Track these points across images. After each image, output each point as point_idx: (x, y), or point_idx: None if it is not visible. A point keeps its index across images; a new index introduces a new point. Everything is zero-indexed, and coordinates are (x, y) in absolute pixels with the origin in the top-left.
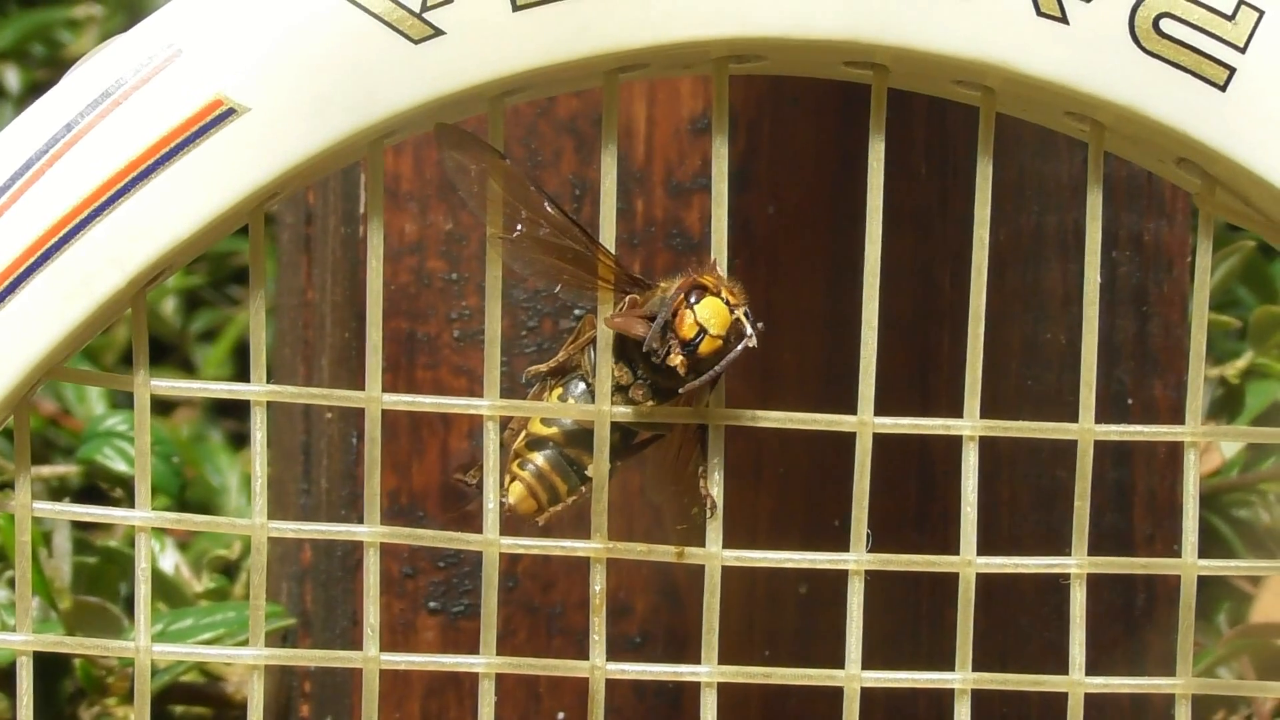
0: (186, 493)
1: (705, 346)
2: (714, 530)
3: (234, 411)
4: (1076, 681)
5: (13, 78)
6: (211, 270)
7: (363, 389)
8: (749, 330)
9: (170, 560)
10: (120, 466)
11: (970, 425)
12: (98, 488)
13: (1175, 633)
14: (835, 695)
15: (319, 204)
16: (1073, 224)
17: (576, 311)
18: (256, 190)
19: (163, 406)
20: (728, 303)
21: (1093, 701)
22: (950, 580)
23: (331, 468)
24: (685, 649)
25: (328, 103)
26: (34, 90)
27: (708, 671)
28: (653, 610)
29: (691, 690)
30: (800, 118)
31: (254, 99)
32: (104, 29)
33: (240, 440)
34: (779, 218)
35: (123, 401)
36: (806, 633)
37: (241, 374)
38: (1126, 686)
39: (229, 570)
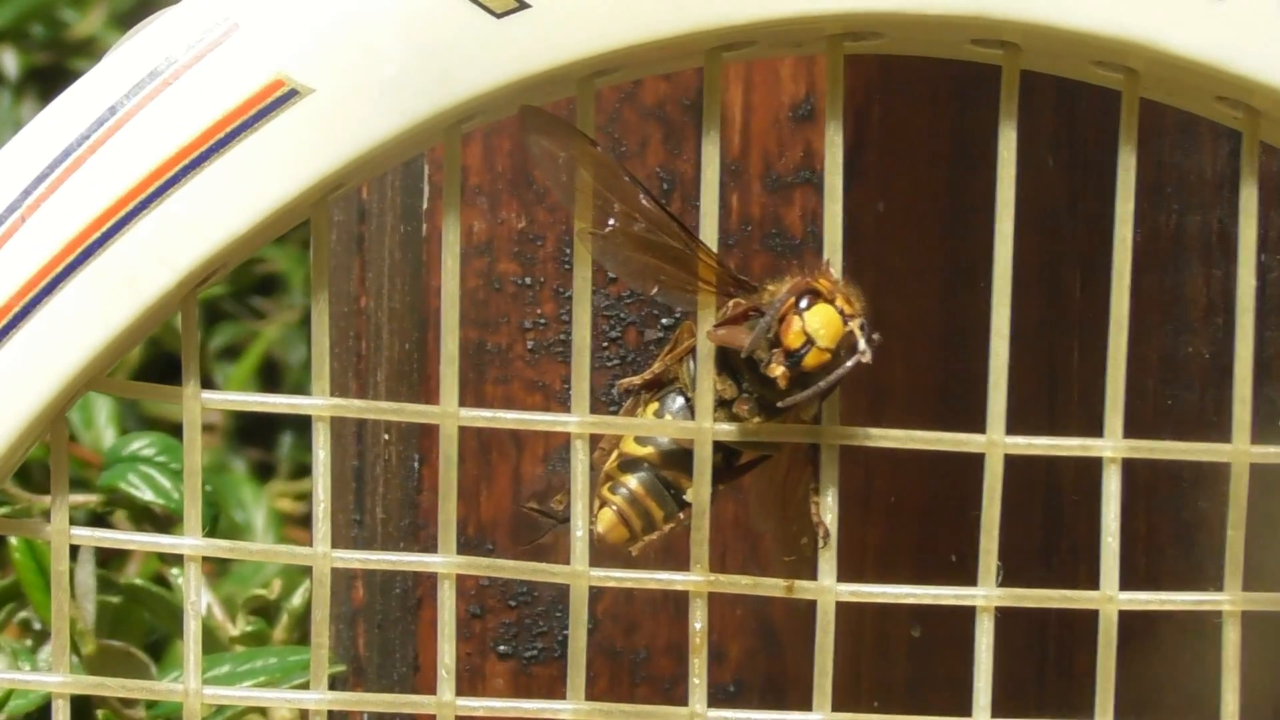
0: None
1: (811, 359)
2: (826, 561)
3: (259, 438)
4: None
5: (10, 61)
6: (233, 279)
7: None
8: (862, 344)
9: (202, 601)
10: (147, 495)
11: (1112, 445)
12: (111, 523)
13: None
14: None
15: (374, 200)
16: (1216, 224)
17: (664, 321)
18: (320, 180)
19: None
20: (842, 312)
21: None
22: (1080, 623)
23: (389, 496)
24: (784, 698)
25: (400, 84)
26: (33, 76)
27: (820, 719)
28: (748, 656)
29: None
30: (913, 106)
31: (319, 79)
32: (111, 7)
33: (266, 471)
34: (889, 216)
35: (135, 426)
36: (920, 682)
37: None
38: None
39: (266, 613)
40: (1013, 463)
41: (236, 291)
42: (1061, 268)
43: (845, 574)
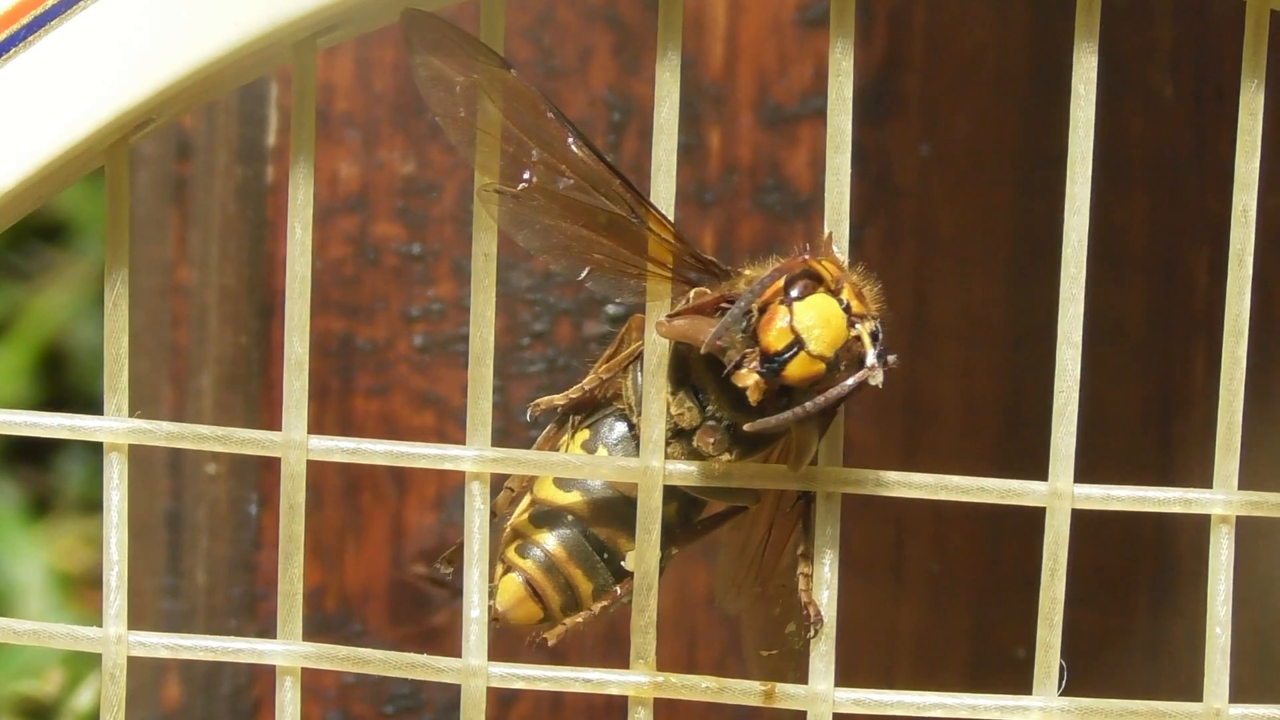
0: None
1: (798, 368)
2: (821, 658)
3: (33, 455)
4: None
5: None
6: None
7: (274, 427)
8: (871, 358)
9: None
10: None
11: (1223, 498)
12: None
13: None
14: None
15: (202, 131)
16: None
17: (612, 309)
18: (120, 115)
19: None
20: (847, 308)
21: None
22: None
23: (214, 553)
24: None
25: None
26: None
27: None
28: None
29: None
30: (971, 6)
31: None
32: None
33: (41, 508)
34: (936, 165)
35: None
36: None
37: (48, 398)
38: None
39: (42, 716)
40: (1112, 520)
41: (5, 241)
42: (1183, 243)
43: (869, 671)
